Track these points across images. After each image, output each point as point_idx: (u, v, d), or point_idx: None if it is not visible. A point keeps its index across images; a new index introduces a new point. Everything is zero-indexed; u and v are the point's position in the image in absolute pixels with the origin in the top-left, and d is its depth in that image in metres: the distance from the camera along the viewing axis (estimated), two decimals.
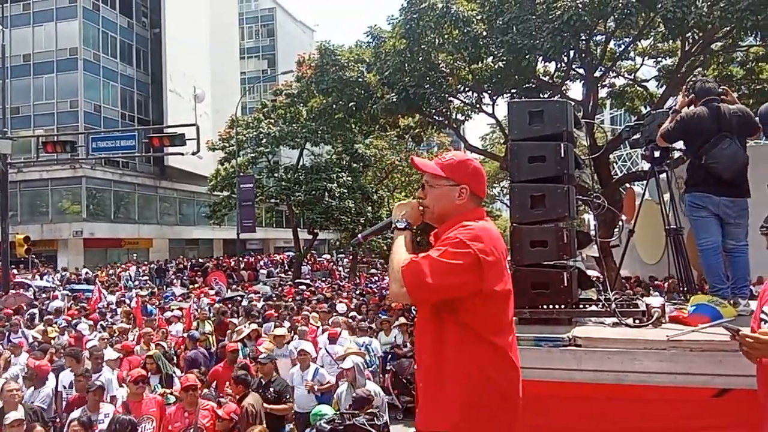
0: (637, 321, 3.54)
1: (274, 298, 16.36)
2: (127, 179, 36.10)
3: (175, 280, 26.42)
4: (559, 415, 3.38)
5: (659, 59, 18.44)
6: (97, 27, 35.73)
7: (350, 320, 10.69)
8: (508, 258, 2.48)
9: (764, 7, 11.42)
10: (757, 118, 4.34)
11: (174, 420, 5.62)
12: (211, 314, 12.69)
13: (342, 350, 8.44)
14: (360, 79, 17.85)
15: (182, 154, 19.18)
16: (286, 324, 10.00)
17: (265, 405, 6.13)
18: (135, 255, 34.92)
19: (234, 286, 22.51)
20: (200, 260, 34.26)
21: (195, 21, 39.25)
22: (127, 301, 15.64)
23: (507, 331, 2.33)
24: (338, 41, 20.44)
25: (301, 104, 24.75)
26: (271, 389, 6.33)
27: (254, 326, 9.67)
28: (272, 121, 28.03)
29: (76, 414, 5.40)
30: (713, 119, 4.15)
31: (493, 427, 2.23)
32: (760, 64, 16.16)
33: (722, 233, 4.21)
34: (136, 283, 24.75)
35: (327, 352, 8.57)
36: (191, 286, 22.25)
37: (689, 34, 14.15)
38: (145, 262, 32.10)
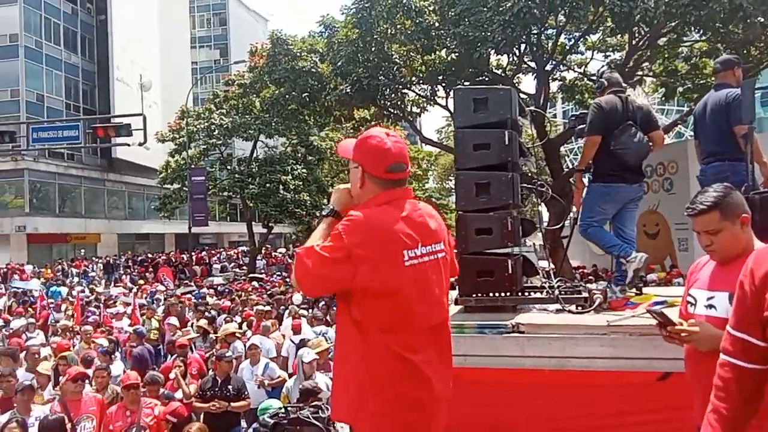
0: (579, 307, 3.56)
1: (226, 293, 16.09)
2: (73, 172, 34.85)
3: (123, 276, 25.70)
4: (503, 402, 3.38)
5: (608, 53, 18.82)
6: (39, 13, 34.30)
7: (305, 311, 10.64)
8: (434, 246, 2.23)
9: (706, 3, 11.75)
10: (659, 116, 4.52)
11: (115, 419, 5.41)
12: (161, 310, 12.39)
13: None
14: (313, 70, 17.70)
15: (128, 145, 18.62)
16: (237, 319, 9.84)
17: (224, 403, 6.08)
18: (82, 251, 33.80)
19: (186, 282, 22.04)
20: (150, 255, 33.41)
21: (143, 8, 38.07)
22: (71, 299, 15.12)
23: (402, 329, 2.13)
24: (292, 31, 20.14)
25: (254, 95, 24.34)
26: (230, 387, 6.28)
27: (203, 321, 9.44)
28: (224, 111, 27.51)
29: (4, 418, 5.11)
30: (622, 108, 4.29)
31: (389, 423, 2.12)
32: (703, 59, 16.66)
33: (622, 221, 4.37)
34: (81, 280, 23.97)
35: (292, 342, 8.46)
36: (139, 282, 21.66)
37: (636, 28, 14.48)
38: (93, 258, 31.13)
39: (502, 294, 3.85)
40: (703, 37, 15.15)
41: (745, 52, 13.58)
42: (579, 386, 3.24)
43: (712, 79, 16.00)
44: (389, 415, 2.12)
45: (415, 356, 2.13)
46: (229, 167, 28.89)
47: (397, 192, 2.21)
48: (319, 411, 3.82)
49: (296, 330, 8.80)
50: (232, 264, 32.45)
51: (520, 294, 3.95)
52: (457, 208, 4.15)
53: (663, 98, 22.69)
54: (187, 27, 49.11)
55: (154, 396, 5.75)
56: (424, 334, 2.17)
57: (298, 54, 18.04)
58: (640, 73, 17.94)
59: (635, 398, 3.14)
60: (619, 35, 16.67)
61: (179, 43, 45.07)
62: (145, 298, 15.32)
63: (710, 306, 2.30)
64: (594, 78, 18.98)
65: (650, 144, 4.33)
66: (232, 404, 6.16)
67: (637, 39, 15.37)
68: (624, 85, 4.59)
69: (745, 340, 1.78)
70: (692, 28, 13.85)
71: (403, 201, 2.20)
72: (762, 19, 12.47)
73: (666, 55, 17.29)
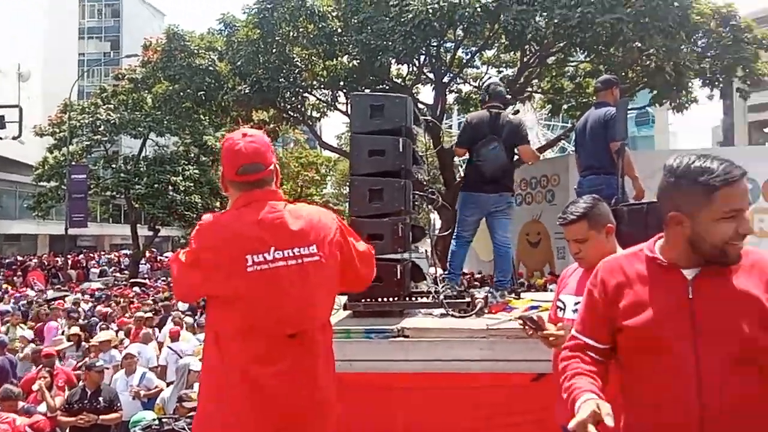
0: (461, 311, 3.64)
1: (103, 298, 15.13)
2: None
3: None
4: (388, 406, 3.37)
5: (501, 69, 19.71)
6: None
7: (189, 317, 10.23)
8: (295, 251, 2.07)
9: (591, 26, 12.59)
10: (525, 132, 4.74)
11: None
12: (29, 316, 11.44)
13: (187, 346, 8.13)
14: (210, 68, 17.17)
15: (0, 138, 17.09)
16: (113, 326, 9.30)
17: (93, 416, 5.71)
18: None
19: (58, 286, 20.53)
20: (19, 258, 30.77)
21: None
22: None
23: (251, 337, 2.03)
24: (190, 27, 19.21)
25: (146, 91, 23.18)
26: (101, 398, 5.90)
27: (76, 329, 8.80)
28: (112, 107, 25.94)
29: None
30: (489, 123, 4.56)
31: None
32: (587, 79, 17.84)
33: (490, 227, 4.68)
34: None
35: (172, 350, 8.18)
36: (5, 287, 19.88)
37: (527, 46, 15.26)
38: None
39: (390, 299, 3.87)
40: (587, 59, 16.23)
41: (623, 74, 14.66)
42: (459, 388, 3.30)
43: (594, 98, 17.25)
44: (223, 423, 2.04)
45: (265, 368, 2.02)
46: (114, 166, 27.20)
47: (256, 194, 2.12)
48: None
49: (174, 337, 8.55)
50: (113, 268, 30.62)
51: (407, 299, 3.98)
52: (350, 213, 4.13)
53: (550, 114, 24.08)
54: (76, 16, 46.02)
55: (11, 411, 5.24)
56: (280, 342, 2.05)
57: (196, 51, 17.40)
58: (529, 89, 18.93)
59: (512, 399, 3.24)
60: (512, 52, 17.49)
61: (66, 32, 42.08)
62: (11, 304, 14.06)
63: (577, 311, 2.41)
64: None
65: (510, 157, 4.56)
66: (102, 417, 5.76)
67: (528, 57, 16.21)
68: (507, 98, 4.82)
69: (589, 344, 1.85)
70: (578, 49, 14.81)
71: (262, 203, 2.10)
72: (639, 44, 13.54)
73: (553, 74, 18.37)
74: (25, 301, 14.42)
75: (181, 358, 7.47)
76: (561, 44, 14.67)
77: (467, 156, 4.77)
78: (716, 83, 15.75)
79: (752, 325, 1.58)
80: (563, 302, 2.57)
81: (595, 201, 2.50)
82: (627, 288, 1.75)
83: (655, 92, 16.18)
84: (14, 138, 16.60)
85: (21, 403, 5.66)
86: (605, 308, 1.79)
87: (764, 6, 22.04)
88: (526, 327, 2.54)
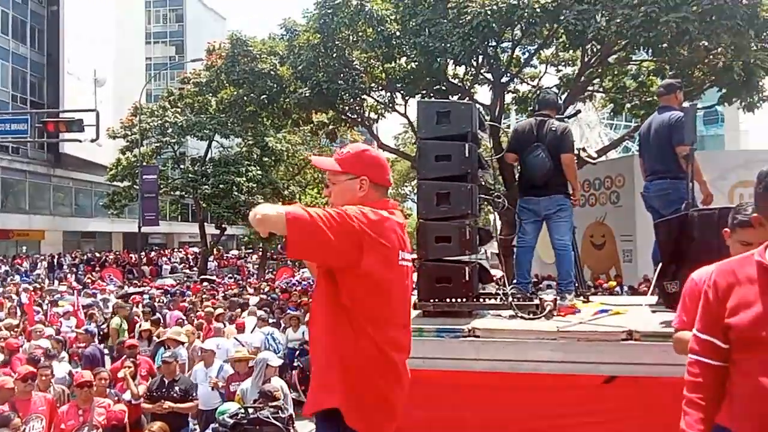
0: (531, 314, 3.74)
1: (178, 294, 15.85)
2: (17, 166, 33.50)
3: (69, 275, 24.95)
4: (458, 404, 3.51)
5: (560, 68, 19.42)
6: None
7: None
8: (409, 255, 2.36)
9: (655, 25, 12.31)
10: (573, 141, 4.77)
11: (67, 418, 5.36)
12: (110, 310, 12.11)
13: (252, 338, 8.58)
14: (272, 72, 17.61)
15: (80, 141, 18.12)
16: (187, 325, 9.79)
17: (170, 404, 6.06)
18: (24, 248, 32.56)
19: (135, 282, 21.61)
20: (97, 254, 32.48)
21: (97, 1, 37.05)
22: (14, 296, 14.59)
23: (386, 323, 2.22)
24: (249, 31, 19.78)
25: (210, 94, 24.03)
26: (176, 388, 6.26)
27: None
28: (179, 110, 27.02)
29: None
30: (533, 131, 4.70)
31: (371, 415, 2.20)
32: (651, 77, 17.40)
33: (549, 230, 4.76)
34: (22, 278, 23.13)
35: (238, 341, 8.57)
36: (88, 280, 21.07)
37: (588, 45, 15.02)
38: (36, 256, 30.06)
39: (459, 300, 4.02)
40: (651, 57, 15.83)
41: (689, 72, 14.25)
42: (529, 389, 3.40)
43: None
44: (377, 405, 2.22)
45: (397, 354, 2.24)
46: (182, 166, 28.43)
47: (389, 201, 2.38)
48: (279, 411, 3.89)
49: (240, 329, 9.08)
50: (182, 265, 31.86)
51: (475, 300, 4.12)
52: (418, 217, 4.29)
53: (612, 113, 23.54)
54: (143, 22, 47.97)
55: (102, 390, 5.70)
56: (402, 331, 2.32)
57: (258, 56, 17.93)
58: (590, 88, 18.60)
59: (582, 400, 3.32)
60: (572, 51, 17.23)
61: (134, 37, 43.97)
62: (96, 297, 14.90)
63: None
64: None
65: (556, 162, 4.59)
66: (178, 405, 6.13)
67: (589, 56, 15.94)
68: (557, 104, 4.97)
69: (711, 342, 1.97)
70: (641, 48, 14.47)
71: (393, 209, 2.34)
72: (706, 43, 13.13)
73: (615, 73, 17.97)
74: (106, 296, 15.21)
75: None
76: (623, 43, 14.38)
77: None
78: None
79: None
80: None
81: None
82: (736, 289, 1.87)
83: (723, 91, 15.64)
84: (92, 141, 17.49)
85: (110, 390, 6.13)
86: (717, 307, 1.91)
87: None
88: None
